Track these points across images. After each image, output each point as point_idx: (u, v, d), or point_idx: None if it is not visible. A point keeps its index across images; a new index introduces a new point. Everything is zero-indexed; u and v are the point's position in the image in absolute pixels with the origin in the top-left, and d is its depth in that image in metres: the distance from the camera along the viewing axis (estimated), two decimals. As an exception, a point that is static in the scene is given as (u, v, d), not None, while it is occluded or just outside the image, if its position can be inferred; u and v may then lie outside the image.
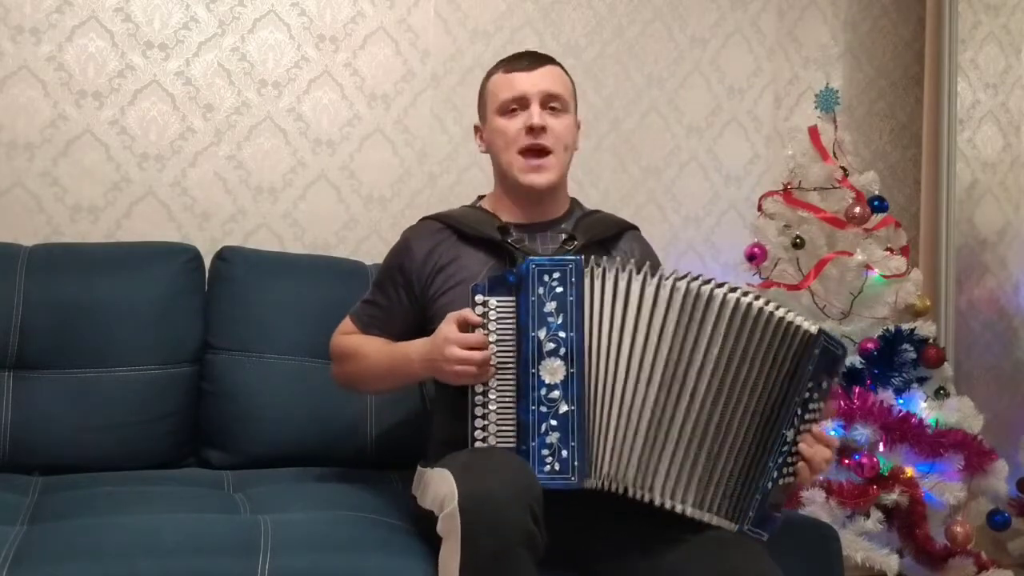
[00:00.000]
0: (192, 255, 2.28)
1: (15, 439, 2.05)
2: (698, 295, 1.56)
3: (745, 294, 1.58)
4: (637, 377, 1.57)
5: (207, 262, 2.32)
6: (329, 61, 2.68)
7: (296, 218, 2.65)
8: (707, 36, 3.07)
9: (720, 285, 1.58)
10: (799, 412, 1.56)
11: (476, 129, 1.92)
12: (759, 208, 2.81)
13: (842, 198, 2.71)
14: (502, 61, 1.89)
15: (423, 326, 1.80)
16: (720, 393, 1.56)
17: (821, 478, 2.39)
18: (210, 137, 2.58)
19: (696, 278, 1.59)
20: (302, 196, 2.65)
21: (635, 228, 1.96)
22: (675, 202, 3.04)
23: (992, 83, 3.30)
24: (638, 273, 1.58)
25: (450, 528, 1.44)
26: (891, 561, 2.31)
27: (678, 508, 1.56)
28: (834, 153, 2.76)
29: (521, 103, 1.80)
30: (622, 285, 1.58)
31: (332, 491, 1.92)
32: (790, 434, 1.56)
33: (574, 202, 1.94)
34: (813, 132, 2.79)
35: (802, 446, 1.58)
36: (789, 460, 1.58)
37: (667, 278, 1.58)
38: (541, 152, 1.79)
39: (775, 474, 1.56)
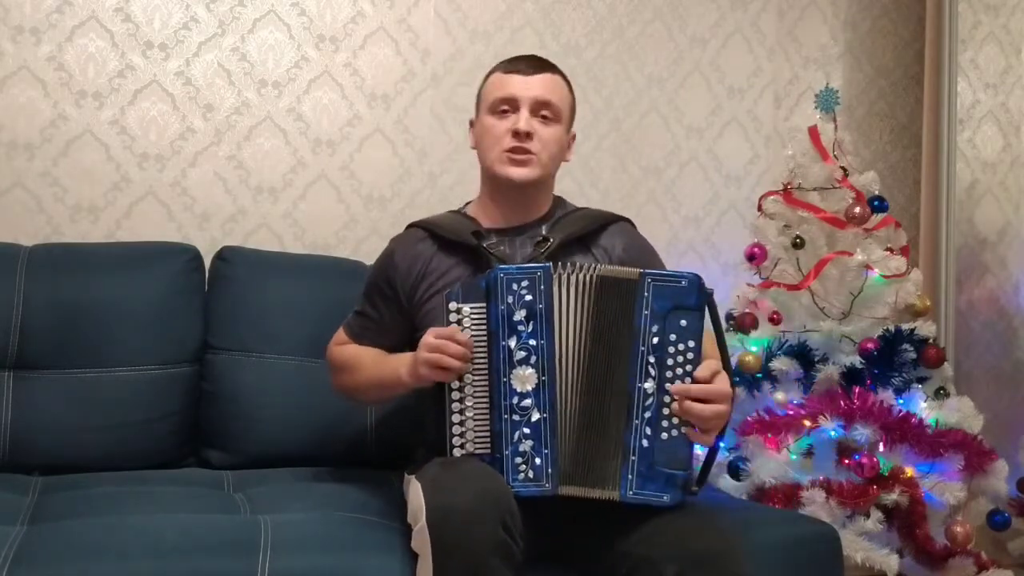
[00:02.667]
0: (192, 255, 2.28)
1: (15, 439, 2.05)
2: (581, 283, 1.58)
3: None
4: (580, 375, 1.58)
5: (207, 262, 2.32)
6: (329, 61, 2.68)
7: (296, 218, 2.65)
8: (707, 36, 3.07)
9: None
10: (652, 360, 1.54)
11: (471, 124, 1.92)
12: (759, 208, 2.81)
13: (842, 198, 2.71)
14: (505, 60, 1.88)
15: (413, 334, 1.82)
16: (594, 369, 1.57)
17: (822, 481, 2.38)
18: (210, 137, 2.58)
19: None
20: (302, 196, 2.65)
21: (623, 220, 1.93)
22: (675, 202, 3.04)
23: (992, 83, 3.30)
24: (578, 273, 1.59)
25: (422, 545, 1.45)
26: (891, 561, 2.31)
27: (580, 492, 1.55)
28: (834, 153, 2.76)
29: (512, 105, 1.80)
30: (575, 288, 1.59)
31: (332, 491, 1.92)
32: (649, 386, 1.54)
33: (557, 200, 1.92)
34: (813, 132, 2.79)
35: (678, 399, 1.54)
36: (665, 413, 1.54)
37: (583, 271, 1.59)
38: (525, 154, 1.79)
39: (648, 431, 1.53)
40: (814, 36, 3.20)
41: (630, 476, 1.53)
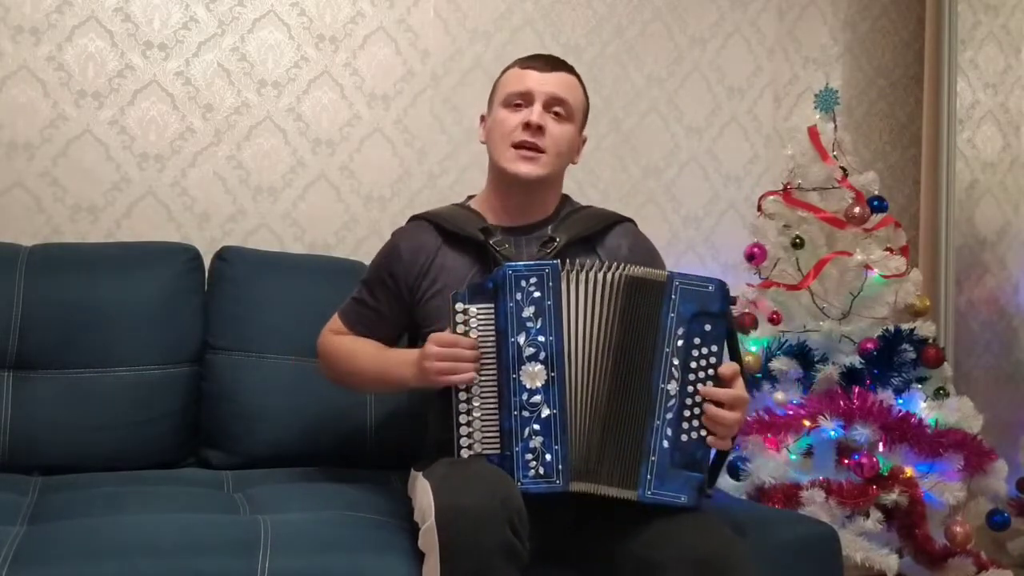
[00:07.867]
0: (192, 255, 2.28)
1: (15, 439, 2.05)
2: (605, 283, 1.59)
3: (622, 269, 1.59)
4: (598, 373, 1.59)
5: (207, 262, 2.32)
6: (329, 61, 2.68)
7: (296, 218, 2.65)
8: (707, 36, 3.07)
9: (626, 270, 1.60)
10: (676, 363, 1.55)
11: (482, 118, 1.92)
12: (759, 208, 2.81)
13: (842, 198, 2.71)
14: (524, 57, 1.89)
15: (411, 327, 1.84)
16: (618, 367, 1.58)
17: (825, 480, 2.39)
18: (210, 137, 2.58)
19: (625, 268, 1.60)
20: (302, 196, 2.66)
21: (627, 220, 1.93)
22: (675, 202, 3.04)
23: (992, 83, 3.31)
24: (599, 271, 1.60)
25: (429, 544, 1.45)
26: (891, 561, 2.31)
27: (593, 490, 1.56)
28: (834, 153, 2.76)
29: (526, 99, 1.80)
30: (592, 286, 1.60)
31: (332, 491, 1.92)
32: (672, 387, 1.55)
33: (564, 199, 1.92)
34: (813, 132, 2.79)
35: (706, 404, 1.56)
36: (686, 415, 1.56)
37: (608, 271, 1.60)
38: (534, 149, 1.78)
39: (668, 432, 1.54)
40: (814, 36, 3.20)
41: (649, 476, 1.54)
